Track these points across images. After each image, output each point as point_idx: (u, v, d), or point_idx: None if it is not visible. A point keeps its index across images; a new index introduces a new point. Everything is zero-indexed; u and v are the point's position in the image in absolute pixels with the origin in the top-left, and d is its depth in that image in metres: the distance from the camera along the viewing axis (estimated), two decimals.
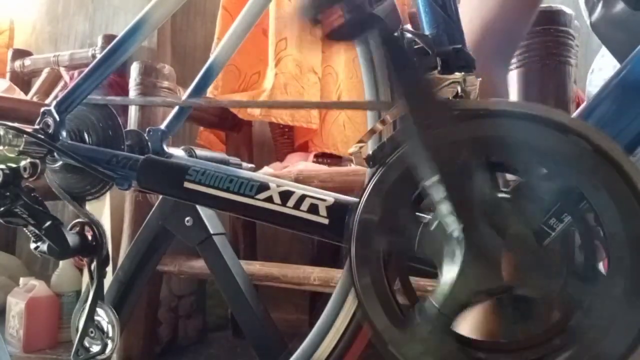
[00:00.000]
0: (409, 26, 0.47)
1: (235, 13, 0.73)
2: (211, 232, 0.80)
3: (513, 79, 0.64)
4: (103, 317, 0.65)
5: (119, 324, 0.64)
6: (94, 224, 0.66)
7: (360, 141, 0.45)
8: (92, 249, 0.66)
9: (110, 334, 0.64)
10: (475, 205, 0.39)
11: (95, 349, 0.64)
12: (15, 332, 1.21)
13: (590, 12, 0.62)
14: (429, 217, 0.44)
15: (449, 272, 0.40)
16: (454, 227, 0.39)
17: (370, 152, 0.44)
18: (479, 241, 0.38)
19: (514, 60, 0.64)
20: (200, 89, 0.74)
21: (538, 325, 0.43)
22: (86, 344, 0.64)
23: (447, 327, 0.40)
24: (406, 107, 0.40)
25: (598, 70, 0.80)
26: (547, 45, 0.62)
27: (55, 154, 0.62)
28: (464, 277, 0.39)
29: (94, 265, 0.65)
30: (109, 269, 0.98)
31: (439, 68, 0.44)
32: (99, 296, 0.64)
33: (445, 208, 0.39)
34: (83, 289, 1.08)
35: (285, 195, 0.50)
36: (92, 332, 0.64)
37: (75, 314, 0.66)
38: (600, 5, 0.60)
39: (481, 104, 0.43)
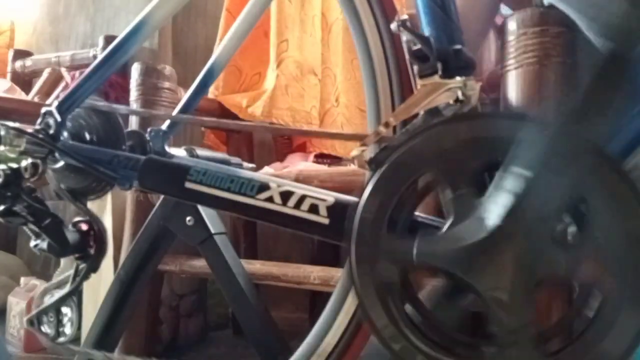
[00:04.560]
0: (405, 16, 0.46)
1: (238, 15, 0.74)
2: (212, 231, 0.80)
3: (511, 80, 0.64)
4: (67, 312, 0.67)
5: (78, 323, 0.67)
6: (95, 222, 0.66)
7: (362, 144, 0.46)
8: (90, 248, 0.67)
9: (68, 330, 0.67)
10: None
11: (46, 330, 0.67)
12: (16, 331, 1.21)
13: None
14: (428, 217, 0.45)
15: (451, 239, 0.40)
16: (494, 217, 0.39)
17: (372, 156, 0.44)
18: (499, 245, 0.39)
19: (511, 61, 0.64)
20: (201, 90, 0.75)
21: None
22: (43, 320, 0.67)
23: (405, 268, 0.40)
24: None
25: None
26: (545, 47, 0.62)
27: (56, 154, 0.62)
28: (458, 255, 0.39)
29: (82, 266, 0.66)
30: (111, 268, 0.99)
31: (439, 73, 0.45)
32: (73, 293, 0.66)
33: (504, 199, 0.39)
34: (85, 288, 1.08)
35: (286, 195, 0.50)
36: (51, 317, 0.67)
37: (45, 289, 0.68)
38: None
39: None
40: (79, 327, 0.72)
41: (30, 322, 0.66)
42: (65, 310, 0.67)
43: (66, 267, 1.36)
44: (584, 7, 0.59)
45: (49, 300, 0.67)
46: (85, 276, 0.66)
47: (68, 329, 0.67)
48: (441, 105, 0.45)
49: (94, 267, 0.66)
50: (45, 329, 0.67)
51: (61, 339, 0.66)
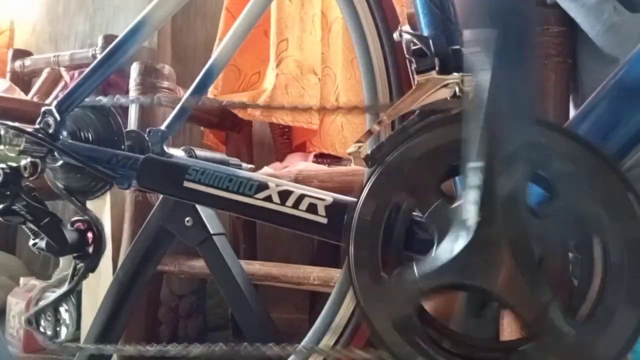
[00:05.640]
0: (407, 27, 0.47)
1: (237, 14, 0.73)
2: (211, 232, 0.80)
3: None
4: (64, 311, 0.67)
5: (76, 323, 0.67)
6: (93, 222, 0.66)
7: (358, 141, 0.46)
8: (88, 247, 0.67)
9: (66, 329, 0.67)
10: (500, 204, 0.38)
11: (44, 329, 0.68)
12: (15, 332, 1.21)
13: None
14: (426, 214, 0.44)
15: (444, 252, 0.40)
16: (471, 215, 0.38)
17: (369, 152, 0.44)
18: (487, 239, 0.38)
19: None
20: (200, 89, 0.75)
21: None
22: (41, 319, 0.68)
23: (417, 299, 0.40)
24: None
25: None
26: (546, 46, 0.62)
27: (55, 153, 0.62)
28: (456, 264, 0.39)
29: (80, 265, 0.66)
30: (110, 268, 0.99)
31: (437, 69, 0.45)
32: (71, 292, 0.67)
33: (473, 195, 0.38)
34: (83, 289, 1.08)
35: (284, 195, 0.50)
36: (49, 316, 0.67)
37: (43, 288, 0.68)
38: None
39: None
40: (78, 327, 0.72)
41: (29, 321, 0.66)
42: (63, 309, 0.67)
43: (65, 266, 1.36)
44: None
45: (47, 299, 0.67)
46: (83, 275, 0.66)
47: (66, 328, 0.67)
48: (438, 102, 0.45)
49: (92, 266, 0.66)
50: (43, 328, 0.67)
51: (59, 338, 0.67)
